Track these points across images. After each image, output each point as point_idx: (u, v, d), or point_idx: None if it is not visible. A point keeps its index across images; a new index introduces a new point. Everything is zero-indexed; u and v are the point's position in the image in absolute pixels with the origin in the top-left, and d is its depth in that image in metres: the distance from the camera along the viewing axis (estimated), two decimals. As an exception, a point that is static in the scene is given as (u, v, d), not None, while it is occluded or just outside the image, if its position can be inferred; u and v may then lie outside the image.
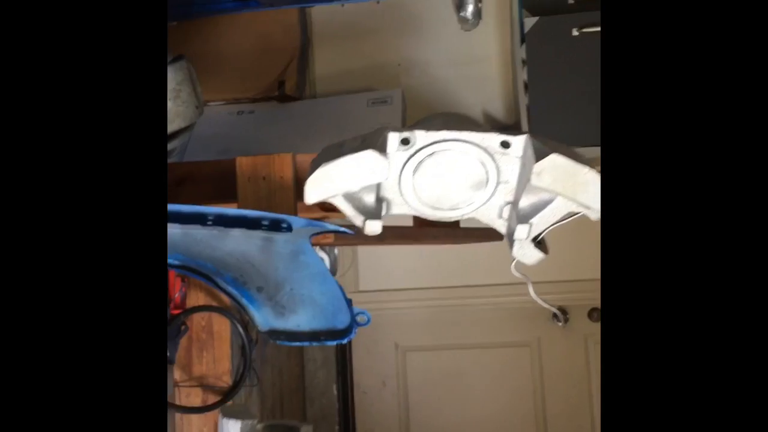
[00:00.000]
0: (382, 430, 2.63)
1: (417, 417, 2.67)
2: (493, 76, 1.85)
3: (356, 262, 2.58)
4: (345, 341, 1.16)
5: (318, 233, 1.11)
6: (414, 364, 2.69)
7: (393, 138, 0.94)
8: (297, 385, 2.50)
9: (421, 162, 0.96)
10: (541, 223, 0.99)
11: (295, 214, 1.20)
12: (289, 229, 1.08)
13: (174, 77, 1.12)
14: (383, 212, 1.00)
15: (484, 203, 0.99)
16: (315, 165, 0.98)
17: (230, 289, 1.18)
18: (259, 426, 0.87)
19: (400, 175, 0.97)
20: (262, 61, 1.80)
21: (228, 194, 1.19)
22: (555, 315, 2.64)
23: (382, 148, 0.95)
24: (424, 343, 2.69)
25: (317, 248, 1.95)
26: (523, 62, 1.73)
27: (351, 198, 1.00)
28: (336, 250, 2.35)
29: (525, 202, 0.99)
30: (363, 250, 2.59)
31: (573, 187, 0.93)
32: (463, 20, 2.09)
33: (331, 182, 0.96)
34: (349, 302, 1.15)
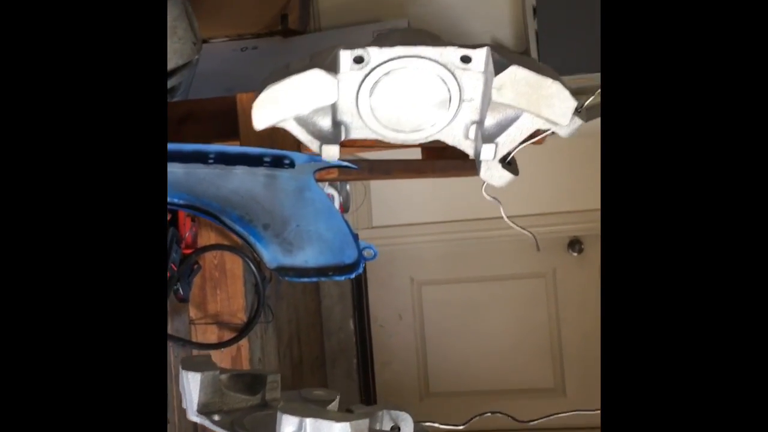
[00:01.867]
0: (400, 362, 2.68)
1: (434, 348, 2.72)
2: (501, 2, 1.79)
3: (369, 198, 2.58)
4: (353, 276, 1.17)
5: (321, 168, 1.10)
6: (429, 297, 2.72)
7: (345, 56, 0.87)
8: (314, 321, 2.54)
9: (377, 81, 0.89)
10: (507, 142, 0.93)
11: (298, 150, 1.18)
12: (292, 165, 1.07)
13: (170, 13, 1.09)
14: (342, 136, 0.94)
15: (448, 123, 0.93)
16: (261, 87, 0.91)
17: (237, 227, 1.18)
18: (223, 376, 0.84)
19: (356, 97, 0.90)
20: (264, -5, 1.76)
21: (231, 132, 1.18)
22: (570, 245, 2.63)
23: (332, 68, 0.88)
24: (439, 277, 2.71)
25: (327, 185, 1.95)
26: (532, -14, 1.67)
27: (304, 122, 0.94)
28: (348, 187, 2.34)
29: (490, 121, 0.93)
30: (375, 186, 2.58)
31: (537, 101, 0.87)
32: (470, -56, 2.02)
33: (278, 105, 0.90)
34: (355, 237, 1.14)
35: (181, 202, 1.14)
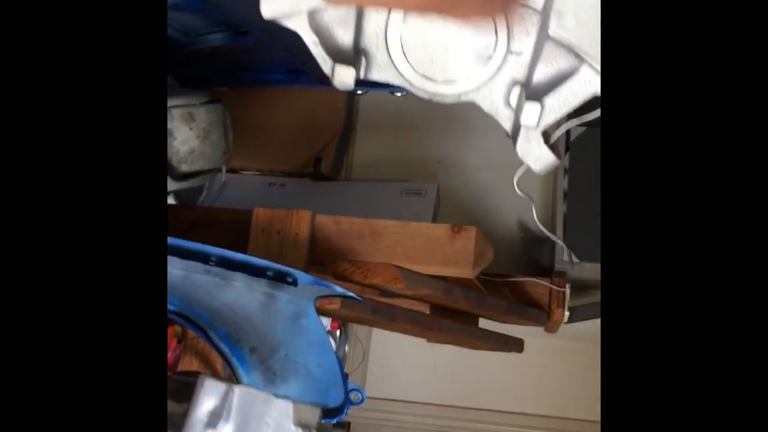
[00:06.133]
0: None
1: None
2: (532, 186, 1.81)
3: (366, 363, 2.46)
4: (334, 422, 1.06)
5: (324, 296, 1.04)
6: (414, 486, 2.49)
7: None
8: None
9: None
10: (555, 106, 0.75)
11: (305, 270, 1.13)
12: (294, 284, 1.01)
13: (206, 117, 1.10)
14: (361, 72, 0.77)
15: (488, 80, 0.76)
16: None
17: (222, 345, 1.10)
18: None
19: (386, 21, 0.75)
20: (302, 137, 1.80)
21: (239, 245, 1.14)
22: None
23: None
24: (429, 466, 2.50)
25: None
26: (565, 171, 1.69)
27: (320, 30, 0.76)
28: (347, 347, 2.25)
29: (539, 76, 0.74)
30: (375, 353, 2.47)
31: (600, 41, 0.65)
32: (508, 129, 2.08)
33: None
34: (345, 377, 1.05)
35: (173, 308, 1.08)
